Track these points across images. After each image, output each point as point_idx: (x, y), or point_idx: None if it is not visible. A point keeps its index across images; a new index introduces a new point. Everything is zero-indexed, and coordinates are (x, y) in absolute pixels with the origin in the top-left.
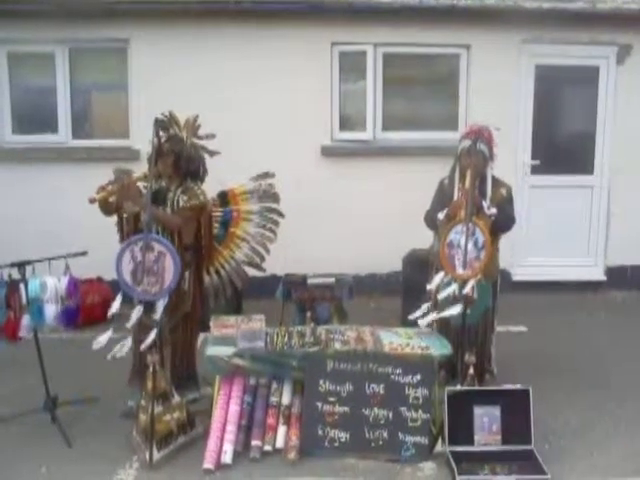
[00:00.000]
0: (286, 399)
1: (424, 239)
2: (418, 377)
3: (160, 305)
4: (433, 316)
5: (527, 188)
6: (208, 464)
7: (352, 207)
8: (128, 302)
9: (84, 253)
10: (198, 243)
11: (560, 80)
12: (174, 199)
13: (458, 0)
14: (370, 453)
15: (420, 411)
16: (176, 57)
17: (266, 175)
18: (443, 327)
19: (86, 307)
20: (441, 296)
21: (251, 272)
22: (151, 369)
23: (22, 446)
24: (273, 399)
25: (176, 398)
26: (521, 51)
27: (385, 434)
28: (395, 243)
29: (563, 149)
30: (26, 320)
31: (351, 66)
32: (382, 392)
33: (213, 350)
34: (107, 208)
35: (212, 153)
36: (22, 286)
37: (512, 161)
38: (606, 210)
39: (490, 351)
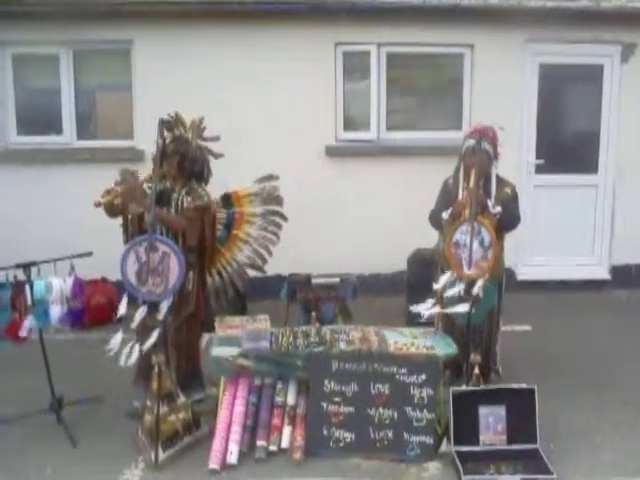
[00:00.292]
0: (291, 399)
1: (429, 239)
2: (423, 377)
3: (164, 306)
4: (437, 309)
5: (531, 187)
6: (213, 464)
7: (356, 207)
8: (133, 303)
9: (89, 254)
10: (202, 244)
11: (564, 79)
12: (178, 200)
13: None
14: (375, 453)
15: (425, 411)
16: (179, 58)
17: (270, 177)
18: (448, 327)
19: (91, 308)
20: (447, 295)
21: (256, 272)
22: (156, 369)
23: (27, 446)
24: (278, 399)
25: (181, 398)
26: (525, 50)
27: (390, 434)
28: (399, 243)
29: (567, 148)
30: (28, 321)
31: (355, 66)
32: (387, 392)
33: (218, 351)
34: (112, 210)
35: (217, 155)
36: (27, 287)
37: (516, 160)
38: (610, 209)
39: (495, 350)
